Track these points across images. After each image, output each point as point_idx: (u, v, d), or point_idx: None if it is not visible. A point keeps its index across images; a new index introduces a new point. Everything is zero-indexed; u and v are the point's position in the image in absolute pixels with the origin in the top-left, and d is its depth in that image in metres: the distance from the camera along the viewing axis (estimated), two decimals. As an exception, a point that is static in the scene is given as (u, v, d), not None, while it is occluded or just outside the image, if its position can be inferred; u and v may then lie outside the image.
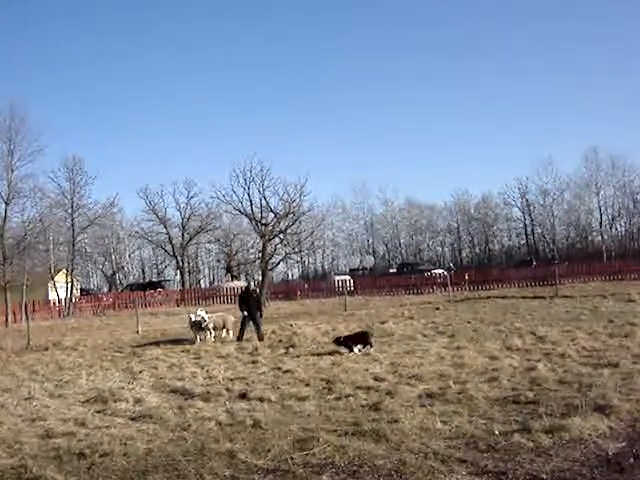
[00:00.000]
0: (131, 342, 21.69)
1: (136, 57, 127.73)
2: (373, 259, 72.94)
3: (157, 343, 20.57)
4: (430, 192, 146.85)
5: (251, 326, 20.25)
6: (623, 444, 7.14)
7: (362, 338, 15.79)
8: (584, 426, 7.64)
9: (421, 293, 40.77)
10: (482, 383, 10.95)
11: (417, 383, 11.31)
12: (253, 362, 15.24)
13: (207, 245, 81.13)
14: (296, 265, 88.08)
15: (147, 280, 71.72)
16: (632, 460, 6.61)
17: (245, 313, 20.19)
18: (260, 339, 19.46)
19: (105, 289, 76.94)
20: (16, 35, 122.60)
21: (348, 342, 15.63)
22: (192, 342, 19.92)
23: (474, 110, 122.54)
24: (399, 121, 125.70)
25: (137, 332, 24.88)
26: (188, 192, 69.68)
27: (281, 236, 40.92)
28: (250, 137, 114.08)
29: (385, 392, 10.66)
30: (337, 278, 49.34)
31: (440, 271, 52.35)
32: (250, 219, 42.47)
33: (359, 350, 15.33)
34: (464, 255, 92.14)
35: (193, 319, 20.42)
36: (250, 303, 20.48)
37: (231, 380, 12.87)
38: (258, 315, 20.64)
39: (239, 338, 19.74)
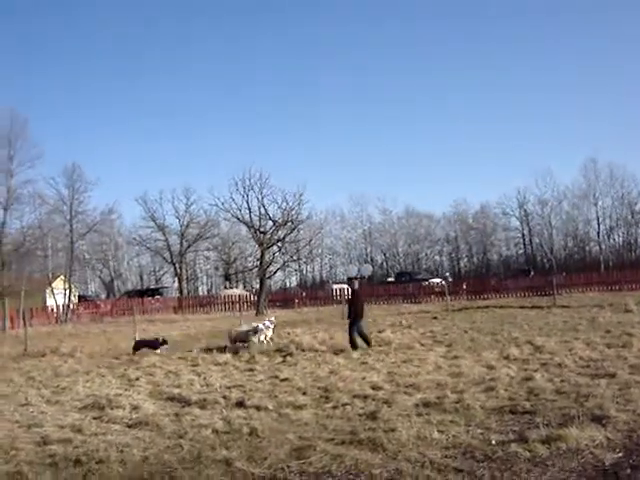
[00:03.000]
0: (128, 349, 21.62)
1: (136, 63, 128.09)
2: (371, 268, 72.97)
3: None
4: (429, 201, 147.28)
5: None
6: (620, 455, 7.14)
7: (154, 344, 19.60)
8: (581, 436, 7.63)
9: (419, 302, 40.77)
10: (479, 393, 10.94)
11: (414, 392, 11.29)
12: (250, 370, 15.22)
13: (205, 253, 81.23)
14: (294, 273, 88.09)
15: (145, 287, 71.69)
16: (629, 471, 6.62)
17: (352, 318, 18.34)
18: (369, 344, 17.91)
19: (103, 296, 77.01)
20: (17, 42, 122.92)
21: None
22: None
23: (473, 120, 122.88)
24: (398, 130, 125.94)
25: (134, 339, 24.80)
26: (187, 199, 69.91)
27: (279, 244, 41.20)
28: (249, 145, 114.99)
29: (382, 401, 10.65)
30: (335, 286, 49.33)
31: (438, 280, 52.34)
32: (249, 227, 42.70)
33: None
34: (462, 264, 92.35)
35: (259, 325, 19.89)
36: (357, 306, 18.58)
37: (228, 388, 12.84)
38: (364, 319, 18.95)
39: (355, 346, 17.76)
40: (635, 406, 9.01)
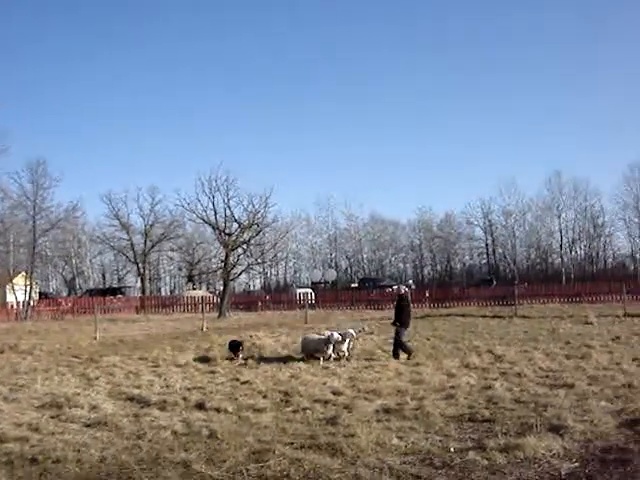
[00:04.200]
0: (89, 348, 21.45)
1: (103, 61, 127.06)
2: (335, 273, 73.06)
3: (115, 350, 20.40)
4: (394, 208, 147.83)
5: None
6: (576, 464, 7.22)
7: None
8: (538, 445, 7.71)
9: (382, 308, 40.87)
10: (439, 400, 11.01)
11: (375, 398, 11.33)
12: (211, 372, 15.16)
13: (169, 253, 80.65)
14: (258, 276, 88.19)
15: (107, 286, 71.15)
16: (584, 480, 6.70)
17: (398, 324, 17.18)
18: (395, 355, 16.72)
19: (64, 293, 76.29)
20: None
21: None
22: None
23: (440, 128, 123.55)
24: (366, 136, 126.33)
25: (95, 338, 24.62)
26: (152, 199, 69.34)
27: (244, 246, 41.08)
28: (217, 147, 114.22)
29: (342, 406, 10.67)
30: (299, 291, 49.35)
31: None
32: (214, 228, 42.50)
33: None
34: (426, 272, 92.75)
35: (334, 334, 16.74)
36: (404, 312, 17.42)
37: (188, 389, 12.79)
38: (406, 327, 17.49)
39: (409, 354, 16.63)
40: (592, 417, 9.12)
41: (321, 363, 16.05)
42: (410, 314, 17.78)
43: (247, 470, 7.36)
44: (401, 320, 17.28)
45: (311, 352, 16.91)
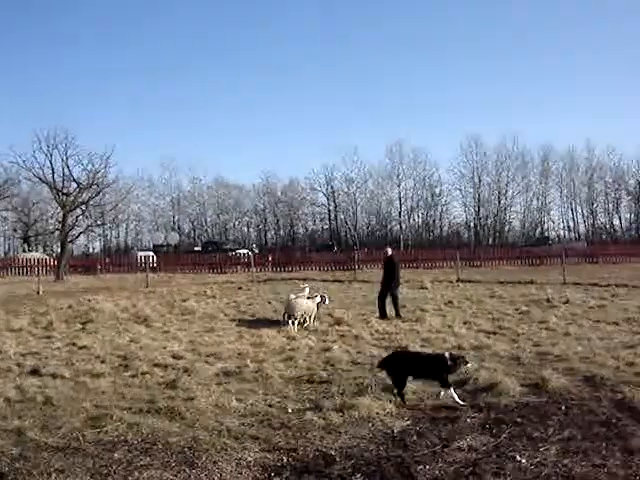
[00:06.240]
0: None
1: None
2: (178, 236, 72.26)
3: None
4: (240, 173, 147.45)
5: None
6: (408, 422, 7.57)
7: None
8: (373, 405, 8.01)
9: (225, 272, 40.91)
10: (279, 362, 11.22)
11: (215, 361, 11.41)
12: (47, 337, 14.74)
13: (3, 213, 77.10)
14: (98, 238, 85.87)
15: None
16: (415, 437, 7.03)
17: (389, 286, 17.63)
18: (398, 315, 17.10)
19: None
20: None
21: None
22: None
23: (286, 95, 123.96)
24: (211, 99, 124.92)
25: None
26: (-15, 156, 65.99)
27: (83, 207, 40.01)
28: (55, 101, 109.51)
29: (183, 370, 10.67)
30: (140, 254, 48.58)
31: (244, 251, 52.75)
32: (51, 188, 41.12)
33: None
34: (269, 237, 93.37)
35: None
36: (397, 273, 18.08)
37: (23, 355, 12.40)
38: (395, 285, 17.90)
39: (383, 315, 17.08)
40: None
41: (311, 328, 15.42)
42: (399, 274, 18.38)
43: (83, 436, 7.26)
44: (392, 281, 17.84)
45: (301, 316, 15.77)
